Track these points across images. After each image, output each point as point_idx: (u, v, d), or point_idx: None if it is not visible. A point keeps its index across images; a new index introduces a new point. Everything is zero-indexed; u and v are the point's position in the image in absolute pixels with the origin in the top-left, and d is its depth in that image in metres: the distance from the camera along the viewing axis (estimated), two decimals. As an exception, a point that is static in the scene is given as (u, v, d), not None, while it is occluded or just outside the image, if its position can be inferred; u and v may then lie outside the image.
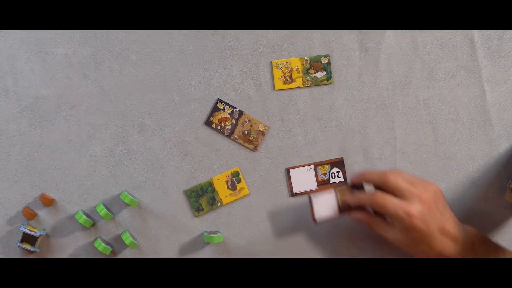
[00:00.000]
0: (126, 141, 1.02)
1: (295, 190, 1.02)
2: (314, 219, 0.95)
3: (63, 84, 1.02)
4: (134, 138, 1.02)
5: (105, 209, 0.99)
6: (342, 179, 1.03)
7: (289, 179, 1.03)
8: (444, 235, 0.88)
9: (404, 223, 0.86)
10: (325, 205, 0.94)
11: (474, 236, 0.91)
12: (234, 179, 1.03)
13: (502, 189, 1.03)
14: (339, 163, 1.03)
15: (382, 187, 0.89)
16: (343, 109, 1.03)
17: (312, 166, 1.03)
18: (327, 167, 1.03)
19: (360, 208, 0.93)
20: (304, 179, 1.03)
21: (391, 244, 0.91)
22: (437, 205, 0.87)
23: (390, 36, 1.03)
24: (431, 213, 0.86)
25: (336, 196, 0.95)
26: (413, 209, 0.86)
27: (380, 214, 0.92)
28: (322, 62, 1.03)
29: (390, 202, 0.86)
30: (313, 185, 1.03)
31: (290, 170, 1.03)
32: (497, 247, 0.91)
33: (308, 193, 1.02)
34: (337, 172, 1.02)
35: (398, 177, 0.87)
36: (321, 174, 1.02)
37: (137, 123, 1.02)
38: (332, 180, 1.03)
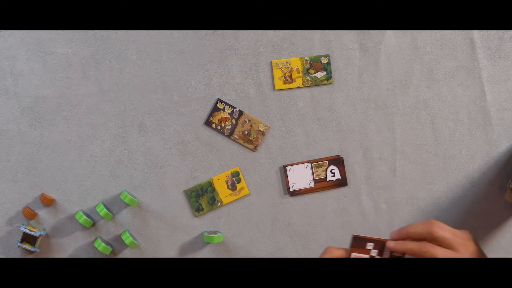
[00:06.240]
0: (126, 141, 1.02)
1: (292, 188, 1.02)
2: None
3: (63, 84, 1.02)
4: (134, 138, 1.02)
5: (105, 209, 0.99)
6: (338, 177, 1.03)
7: (285, 177, 1.03)
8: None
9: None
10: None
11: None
12: (234, 179, 1.03)
13: (502, 189, 1.03)
14: (336, 160, 1.03)
15: (427, 239, 0.91)
16: (343, 109, 1.03)
17: (309, 164, 1.03)
18: (326, 163, 1.03)
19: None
20: (301, 176, 1.03)
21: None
22: (476, 251, 0.92)
23: (390, 36, 1.03)
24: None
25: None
26: (462, 256, 0.89)
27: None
28: (322, 62, 1.03)
29: (440, 252, 0.89)
30: (310, 183, 1.03)
31: (286, 167, 1.03)
32: None
33: (305, 190, 1.03)
34: (332, 169, 1.03)
35: (443, 229, 0.90)
36: (321, 171, 1.03)
37: (137, 123, 1.02)
38: (329, 179, 1.03)
